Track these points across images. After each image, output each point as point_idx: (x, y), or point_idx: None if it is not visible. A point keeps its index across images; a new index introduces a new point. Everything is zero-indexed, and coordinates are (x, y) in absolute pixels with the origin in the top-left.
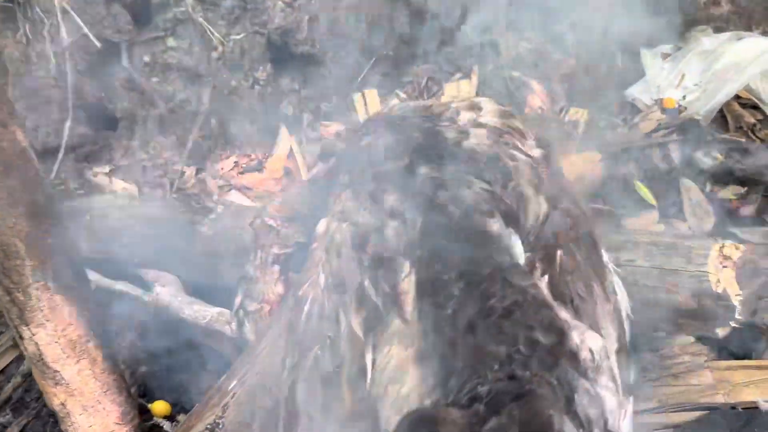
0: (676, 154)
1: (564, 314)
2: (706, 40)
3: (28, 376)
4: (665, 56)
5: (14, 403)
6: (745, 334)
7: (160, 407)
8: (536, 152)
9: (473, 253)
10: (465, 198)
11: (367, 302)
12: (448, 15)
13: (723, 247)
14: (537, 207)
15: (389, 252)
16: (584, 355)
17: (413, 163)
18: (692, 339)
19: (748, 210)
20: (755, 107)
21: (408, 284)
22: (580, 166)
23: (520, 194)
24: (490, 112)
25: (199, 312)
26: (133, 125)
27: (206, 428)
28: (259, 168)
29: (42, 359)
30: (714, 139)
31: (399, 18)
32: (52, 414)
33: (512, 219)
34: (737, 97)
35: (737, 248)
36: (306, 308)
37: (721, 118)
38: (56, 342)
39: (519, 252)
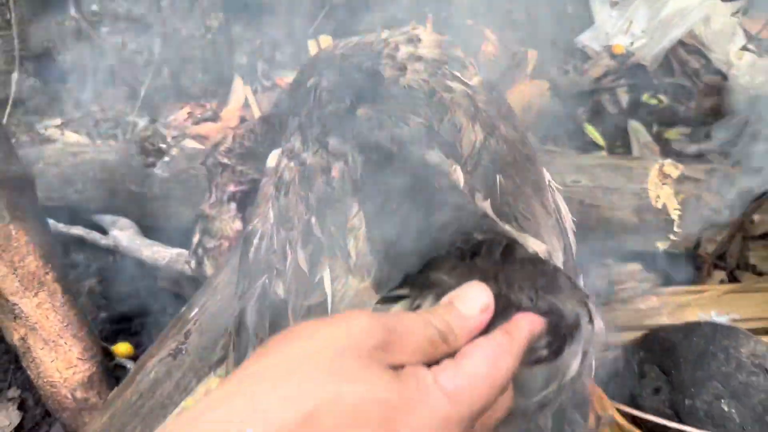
0: (624, 97)
1: (507, 227)
2: None
3: None
4: (614, 4)
5: None
6: (688, 262)
7: (122, 348)
8: (475, 80)
9: (414, 182)
10: (403, 135)
11: (313, 239)
12: None
13: (663, 166)
14: (472, 136)
15: (336, 192)
16: None
17: (353, 104)
18: (640, 266)
19: (692, 149)
20: (699, 52)
21: (358, 220)
22: (528, 94)
23: (455, 125)
24: (427, 43)
25: (158, 253)
26: (84, 77)
27: (169, 354)
28: (214, 118)
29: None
30: (660, 83)
31: None
32: (11, 351)
33: (450, 149)
34: (682, 43)
35: (676, 167)
36: (255, 241)
37: (667, 63)
38: (13, 274)
39: (459, 178)
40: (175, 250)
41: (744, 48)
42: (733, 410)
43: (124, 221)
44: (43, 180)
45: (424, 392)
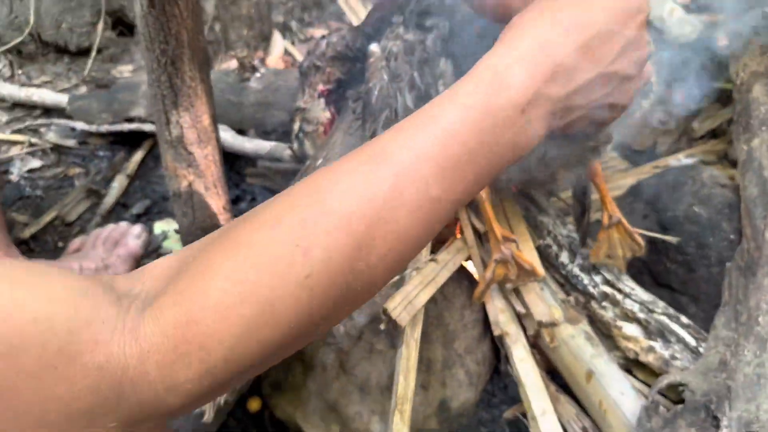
0: None
1: None
2: None
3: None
4: None
5: None
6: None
7: None
8: None
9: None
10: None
11: (417, 87)
12: None
13: None
14: None
15: (430, 55)
16: None
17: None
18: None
19: None
20: None
21: (445, 66)
22: None
23: None
24: None
25: (259, 145)
26: None
27: None
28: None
29: (182, 141)
30: None
31: None
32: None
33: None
34: None
35: None
36: (375, 93)
37: None
38: (194, 127)
39: None
40: (272, 143)
41: (673, 8)
42: (702, 212)
43: (222, 126)
44: None
45: None
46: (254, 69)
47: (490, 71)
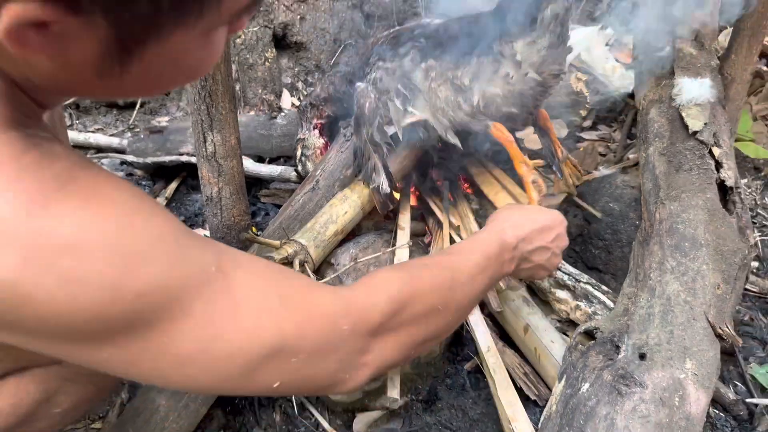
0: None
1: None
2: None
3: None
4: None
5: None
6: None
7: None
8: None
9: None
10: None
11: (402, 94)
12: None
13: None
14: None
15: (411, 67)
16: None
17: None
18: None
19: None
20: (586, 71)
21: (431, 63)
22: None
23: None
24: None
25: (273, 169)
26: (180, 91)
27: (307, 191)
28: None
29: (215, 156)
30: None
31: (357, 19)
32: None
33: None
34: (573, 66)
35: None
36: (366, 108)
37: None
38: (224, 145)
39: None
40: (283, 167)
41: (615, 66)
42: (615, 206)
43: (244, 156)
44: None
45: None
46: (280, 109)
47: (496, 231)
